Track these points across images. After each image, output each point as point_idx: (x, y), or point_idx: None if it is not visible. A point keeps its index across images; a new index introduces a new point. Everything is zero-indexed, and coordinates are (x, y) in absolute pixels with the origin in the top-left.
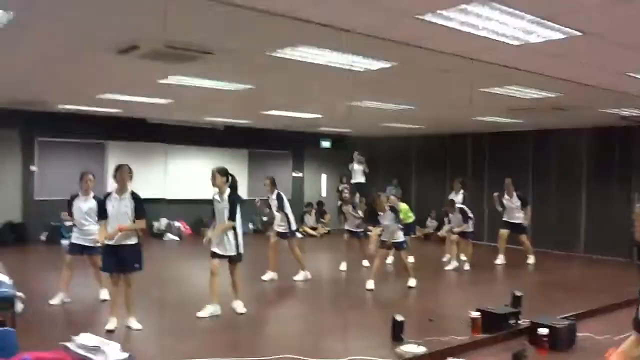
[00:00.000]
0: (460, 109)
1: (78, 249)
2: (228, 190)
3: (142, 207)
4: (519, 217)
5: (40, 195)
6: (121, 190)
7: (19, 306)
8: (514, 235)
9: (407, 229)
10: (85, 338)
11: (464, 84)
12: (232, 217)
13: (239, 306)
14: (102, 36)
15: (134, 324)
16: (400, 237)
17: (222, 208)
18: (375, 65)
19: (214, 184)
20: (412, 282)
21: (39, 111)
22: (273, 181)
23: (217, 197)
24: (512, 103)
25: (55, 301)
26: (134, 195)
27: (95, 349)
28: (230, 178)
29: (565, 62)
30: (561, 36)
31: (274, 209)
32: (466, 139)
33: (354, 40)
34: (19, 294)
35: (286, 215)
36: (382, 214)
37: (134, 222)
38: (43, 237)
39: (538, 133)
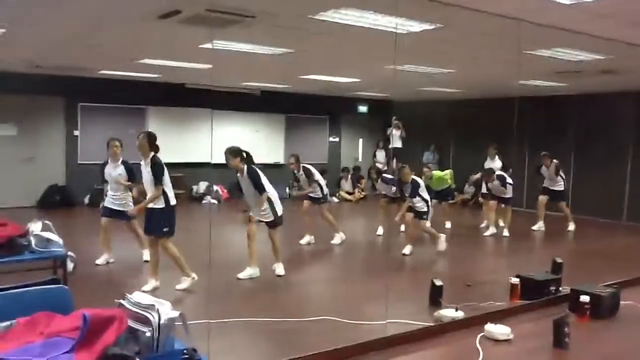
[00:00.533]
0: (503, 72)
1: (109, 212)
2: (246, 167)
3: (158, 173)
4: (559, 184)
5: (83, 159)
6: (144, 157)
7: (70, 265)
8: (554, 202)
9: (443, 195)
10: (140, 296)
11: (509, 47)
12: (259, 189)
13: (278, 268)
14: (144, 1)
15: (181, 283)
16: (421, 207)
17: (247, 185)
18: (418, 27)
19: (229, 165)
20: (441, 245)
21: (81, 77)
22: (297, 159)
23: (238, 175)
24: (559, 66)
25: (100, 261)
26: (153, 161)
27: (150, 307)
28: (244, 154)
29: (618, 22)
30: None
31: (304, 183)
32: (507, 104)
33: (398, 1)
34: (70, 253)
35: (318, 184)
36: (407, 184)
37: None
38: (86, 200)
39: (582, 97)
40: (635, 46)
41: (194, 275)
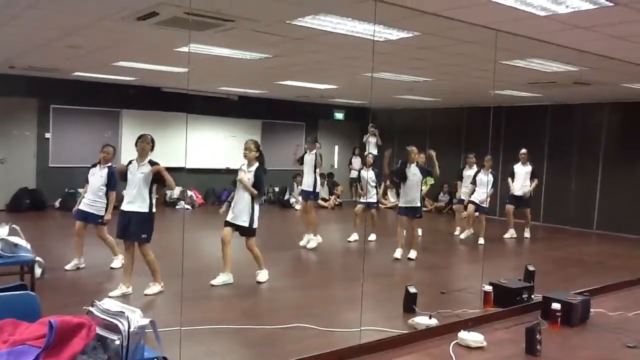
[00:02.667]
0: (479, 82)
1: (82, 215)
2: (256, 165)
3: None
4: (524, 187)
5: (55, 162)
6: (142, 159)
7: (37, 271)
8: (520, 209)
9: None
10: (109, 303)
11: (485, 56)
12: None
13: (260, 275)
14: (121, 1)
15: (150, 289)
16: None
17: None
18: (396, 35)
19: (245, 156)
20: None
21: (54, 78)
22: (316, 139)
23: (243, 167)
24: (533, 76)
25: (69, 267)
26: (152, 164)
27: (120, 314)
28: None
29: (592, 34)
30: (591, 6)
31: (309, 167)
32: (482, 113)
33: (376, 9)
34: (38, 258)
35: (317, 174)
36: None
37: (150, 189)
38: (57, 204)
39: (556, 107)
40: (608, 58)
41: (162, 284)
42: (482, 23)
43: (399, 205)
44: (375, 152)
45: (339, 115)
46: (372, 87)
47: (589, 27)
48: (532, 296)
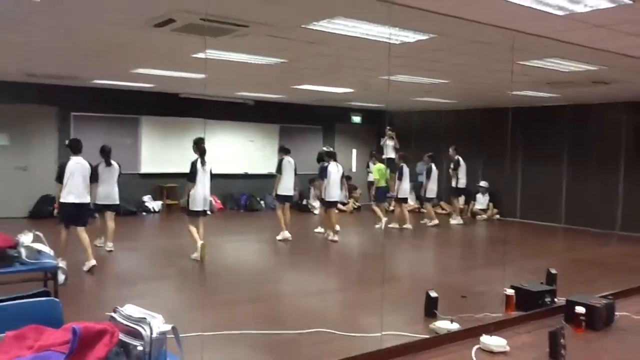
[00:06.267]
0: (497, 83)
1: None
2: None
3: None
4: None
5: None
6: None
7: (61, 277)
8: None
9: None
10: (131, 309)
11: (501, 57)
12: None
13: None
14: (137, 9)
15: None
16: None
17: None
18: (412, 37)
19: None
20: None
21: (74, 86)
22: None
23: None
24: (551, 76)
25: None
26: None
27: (142, 320)
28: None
29: (610, 33)
30: (610, 5)
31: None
32: (500, 114)
33: (392, 11)
34: (61, 265)
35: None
36: None
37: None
38: None
39: (575, 107)
40: (627, 57)
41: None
42: (498, 24)
43: None
44: (393, 155)
45: (356, 119)
46: (389, 91)
47: (607, 26)
48: (555, 299)
